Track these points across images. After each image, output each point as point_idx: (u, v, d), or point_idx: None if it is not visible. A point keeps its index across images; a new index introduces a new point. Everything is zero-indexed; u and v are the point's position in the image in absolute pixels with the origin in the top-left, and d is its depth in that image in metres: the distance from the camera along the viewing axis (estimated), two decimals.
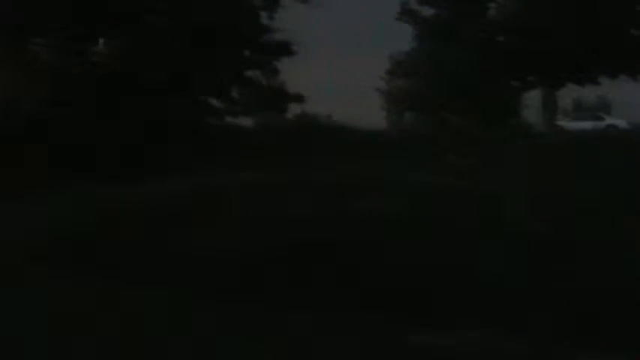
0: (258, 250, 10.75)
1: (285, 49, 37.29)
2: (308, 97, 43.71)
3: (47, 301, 8.93)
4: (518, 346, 7.57)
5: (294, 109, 44.06)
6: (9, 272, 10.45)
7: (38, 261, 10.95)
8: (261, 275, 10.27)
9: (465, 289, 9.43)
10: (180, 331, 7.92)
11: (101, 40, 32.51)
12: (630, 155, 19.30)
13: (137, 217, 12.42)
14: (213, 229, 11.59)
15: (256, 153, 21.77)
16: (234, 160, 20.18)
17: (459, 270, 9.73)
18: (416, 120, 43.78)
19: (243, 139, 27.90)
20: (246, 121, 39.01)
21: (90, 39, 31.73)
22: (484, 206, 12.40)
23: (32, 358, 7.12)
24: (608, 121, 52.16)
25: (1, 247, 11.76)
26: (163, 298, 9.09)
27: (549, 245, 10.43)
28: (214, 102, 36.82)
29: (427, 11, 42.37)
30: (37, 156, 23.01)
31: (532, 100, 47.31)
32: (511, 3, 40.38)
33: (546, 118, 44.16)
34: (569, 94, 57.47)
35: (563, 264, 9.86)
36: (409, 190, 13.40)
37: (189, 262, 10.53)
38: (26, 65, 28.96)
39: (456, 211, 12.18)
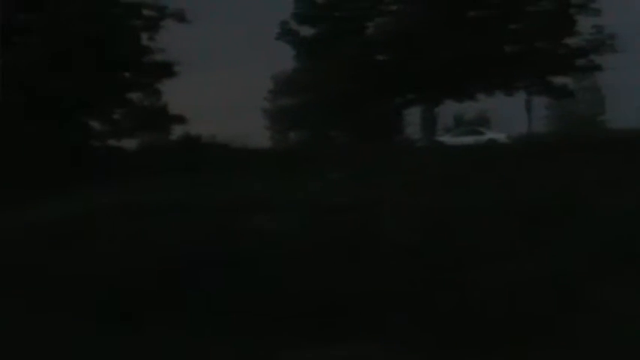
0: (135, 272, 10.65)
1: (166, 70, 37.01)
2: (191, 118, 43.40)
3: None
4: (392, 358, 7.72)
5: (177, 130, 43.72)
6: None
7: None
8: (137, 298, 10.15)
9: (345, 304, 9.54)
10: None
11: None
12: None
13: (16, 240, 12.18)
14: (91, 251, 11.45)
15: (138, 174, 21.54)
16: (115, 182, 19.94)
17: (341, 286, 9.85)
18: (300, 138, 44.06)
19: (125, 161, 27.54)
20: (129, 143, 38.53)
21: None
22: (365, 221, 12.59)
23: None
24: (489, 135, 53.53)
25: None
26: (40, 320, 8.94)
27: (426, 257, 10.66)
28: (96, 124, 36.31)
29: (306, 31, 42.69)
30: None
31: (413, 116, 48.24)
32: (388, 22, 41.08)
33: (427, 134, 44.99)
34: (449, 110, 58.76)
35: (441, 274, 10.08)
36: (293, 208, 13.50)
37: (67, 285, 10.37)
38: None
39: (340, 227, 12.33)
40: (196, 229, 11.97)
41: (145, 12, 35.39)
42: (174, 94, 41.81)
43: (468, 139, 52.19)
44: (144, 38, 35.18)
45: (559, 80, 43.91)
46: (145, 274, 10.80)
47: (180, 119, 42.25)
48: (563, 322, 8.49)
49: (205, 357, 7.99)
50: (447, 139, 52.20)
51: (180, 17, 35.31)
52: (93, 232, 12.59)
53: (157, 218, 12.89)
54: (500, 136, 52.11)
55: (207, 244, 11.23)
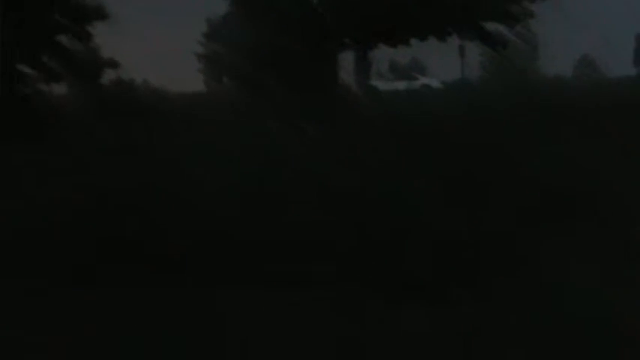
0: (67, 223, 10.54)
1: (97, 13, 36.34)
2: (124, 63, 42.74)
3: None
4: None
5: (109, 76, 43.05)
6: None
7: None
8: (66, 249, 10.05)
9: (276, 251, 9.55)
10: None
11: None
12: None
13: None
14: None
15: (66, 121, 21.21)
16: (45, 130, 19.66)
17: (271, 235, 9.85)
18: (233, 85, 43.76)
19: (55, 106, 27.10)
20: (59, 89, 37.87)
21: None
22: (297, 169, 12.58)
23: None
24: (422, 80, 53.91)
25: None
26: None
27: (360, 207, 10.70)
28: (24, 68, 35.57)
29: None
30: None
31: (347, 62, 48.12)
32: None
33: (360, 80, 45.00)
34: (383, 56, 58.75)
35: (372, 226, 10.13)
36: (224, 156, 13.42)
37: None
38: None
39: (273, 176, 12.31)
40: (125, 177, 11.83)
41: None
42: (105, 39, 41.11)
43: (401, 85, 52.45)
44: None
45: (492, 27, 44.20)
46: (76, 224, 10.69)
47: (112, 64, 41.57)
48: (493, 277, 8.61)
49: (139, 306, 7.97)
50: (381, 84, 52.39)
51: None
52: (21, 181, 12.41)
53: (84, 166, 12.71)
54: (434, 82, 52.53)
55: (135, 192, 11.13)
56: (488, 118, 15.02)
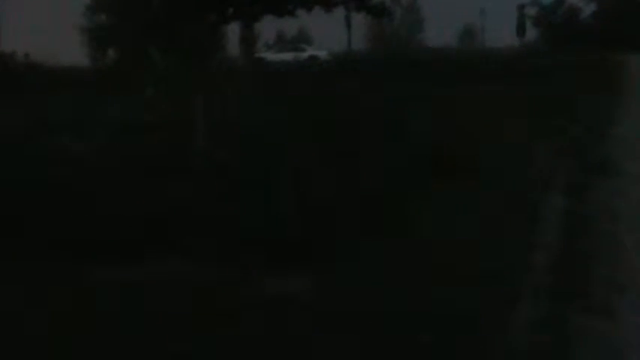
0: None
1: None
2: (5, 34, 41.62)
3: None
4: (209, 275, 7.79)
5: None
6: None
7: None
8: None
9: (153, 223, 9.51)
10: None
11: None
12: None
13: None
14: None
15: None
16: None
17: (145, 205, 9.80)
18: (116, 57, 43.11)
19: None
20: None
21: None
22: (175, 139, 12.56)
23: None
24: (310, 52, 54.16)
25: None
26: None
27: (234, 173, 10.74)
28: None
29: None
30: None
31: (233, 33, 47.96)
32: None
33: (246, 51, 44.93)
34: (271, 27, 58.73)
35: (248, 191, 10.18)
36: (102, 127, 13.30)
37: None
38: None
39: (148, 145, 12.26)
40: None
41: None
42: None
43: (288, 56, 52.62)
44: None
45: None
46: None
47: None
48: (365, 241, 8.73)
49: (20, 279, 7.84)
50: (268, 55, 52.44)
51: None
52: None
53: None
54: (322, 54, 52.83)
55: (11, 168, 10.92)
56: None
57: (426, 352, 5.64)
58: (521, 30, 73.18)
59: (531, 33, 75.75)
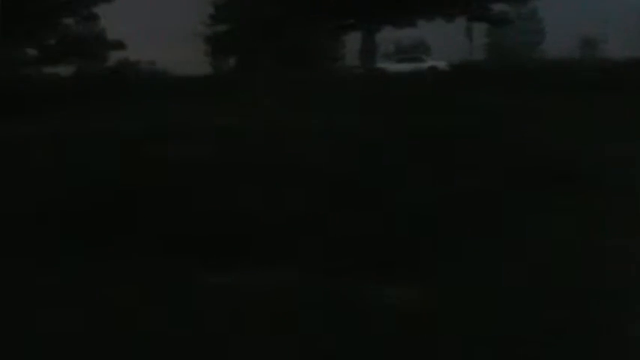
0: (54, 202, 10.51)
1: None
2: (130, 44, 42.74)
3: None
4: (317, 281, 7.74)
5: (115, 57, 43.09)
6: None
7: None
8: (63, 226, 10.05)
9: (269, 233, 9.50)
10: None
11: None
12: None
13: None
14: (15, 179, 11.26)
15: (66, 102, 21.20)
16: (44, 110, 19.64)
17: (257, 213, 9.81)
18: (233, 65, 43.67)
19: (57, 88, 27.08)
20: (64, 70, 37.94)
21: None
22: (288, 148, 12.54)
23: None
24: (429, 62, 53.78)
25: None
26: None
27: (344, 181, 10.64)
28: (29, 51, 35.66)
29: None
30: None
31: (352, 43, 48.00)
32: None
33: (366, 61, 44.92)
34: (388, 37, 58.61)
35: (357, 199, 10.08)
36: (215, 135, 13.39)
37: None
38: None
39: (261, 154, 12.27)
40: (113, 157, 11.82)
41: None
42: (112, 19, 41.11)
43: (408, 67, 52.42)
44: None
45: (498, 7, 44.05)
46: (63, 203, 10.67)
47: (119, 45, 41.64)
48: (475, 245, 8.54)
49: (126, 281, 7.95)
50: (387, 65, 52.32)
51: None
52: (12, 161, 12.38)
53: (76, 147, 12.69)
54: (441, 64, 52.43)
55: (121, 172, 11.10)
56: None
57: None
58: None
59: None
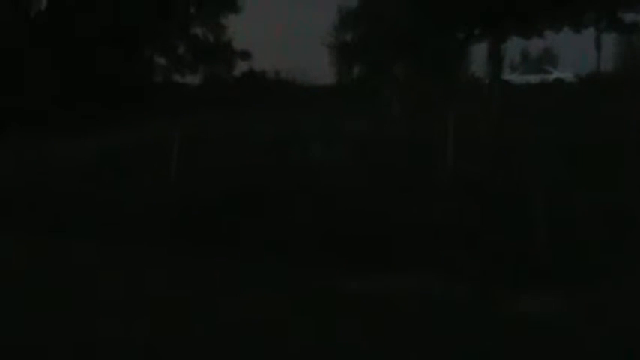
0: (198, 201, 10.75)
1: (230, 5, 37.06)
2: (256, 53, 43.20)
3: None
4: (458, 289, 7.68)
5: (241, 66, 43.77)
6: None
7: None
8: (201, 225, 10.27)
9: (403, 234, 9.50)
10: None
11: None
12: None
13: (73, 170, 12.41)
14: (154, 180, 11.58)
15: (199, 108, 21.65)
16: (177, 115, 20.09)
17: (396, 216, 9.81)
18: (364, 74, 43.71)
19: (188, 95, 27.72)
20: (192, 79, 38.84)
21: None
22: (420, 154, 12.48)
23: None
24: (555, 74, 52.66)
25: None
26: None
27: (486, 190, 10.53)
28: (161, 59, 36.57)
29: None
30: None
31: (479, 53, 47.51)
32: None
33: (493, 72, 44.24)
34: (515, 46, 57.73)
35: (501, 208, 9.96)
36: (348, 139, 13.45)
37: (121, 212, 10.52)
38: None
39: (392, 158, 12.26)
40: (253, 161, 12.01)
41: None
42: (238, 29, 41.85)
43: (535, 78, 51.45)
44: None
45: (628, 16, 42.78)
46: (207, 203, 10.91)
47: (245, 55, 42.29)
48: (623, 259, 8.33)
49: (265, 283, 8.06)
50: (514, 77, 51.49)
51: None
52: (153, 163, 12.71)
53: (215, 150, 12.95)
54: (567, 75, 51.27)
55: (263, 175, 11.27)
56: None
57: None
58: None
59: None
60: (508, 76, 52.52)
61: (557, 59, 76.59)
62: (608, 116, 15.46)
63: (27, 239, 10.15)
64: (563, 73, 53.80)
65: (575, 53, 61.94)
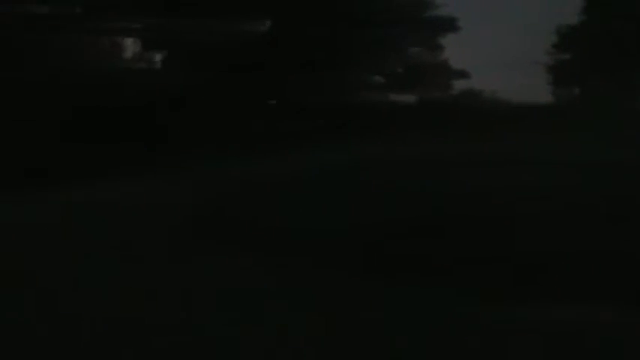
0: (394, 226, 10.79)
1: (448, 25, 37.21)
2: (473, 74, 42.96)
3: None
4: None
5: (458, 85, 43.57)
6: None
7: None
8: (395, 251, 10.27)
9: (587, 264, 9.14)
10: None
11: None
12: None
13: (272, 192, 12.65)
14: (350, 203, 11.68)
15: (410, 129, 21.69)
16: (387, 134, 20.24)
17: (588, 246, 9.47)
18: (578, 95, 42.42)
19: (400, 114, 27.90)
20: (408, 98, 38.99)
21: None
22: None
23: None
24: None
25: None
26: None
27: None
28: (378, 79, 37.13)
29: None
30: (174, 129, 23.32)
31: None
32: None
33: None
34: None
35: None
36: (555, 165, 13.15)
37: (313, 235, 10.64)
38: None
39: (602, 186, 11.85)
40: (451, 184, 11.95)
41: None
42: (454, 48, 41.67)
43: None
44: None
45: None
46: (402, 228, 10.91)
47: (463, 74, 42.09)
48: None
49: (440, 310, 8.02)
50: None
51: None
52: (355, 184, 12.82)
53: (412, 173, 12.95)
54: None
55: (462, 199, 11.19)
56: None
57: None
58: None
59: None
60: None
61: None
62: None
63: None
64: None
65: None
